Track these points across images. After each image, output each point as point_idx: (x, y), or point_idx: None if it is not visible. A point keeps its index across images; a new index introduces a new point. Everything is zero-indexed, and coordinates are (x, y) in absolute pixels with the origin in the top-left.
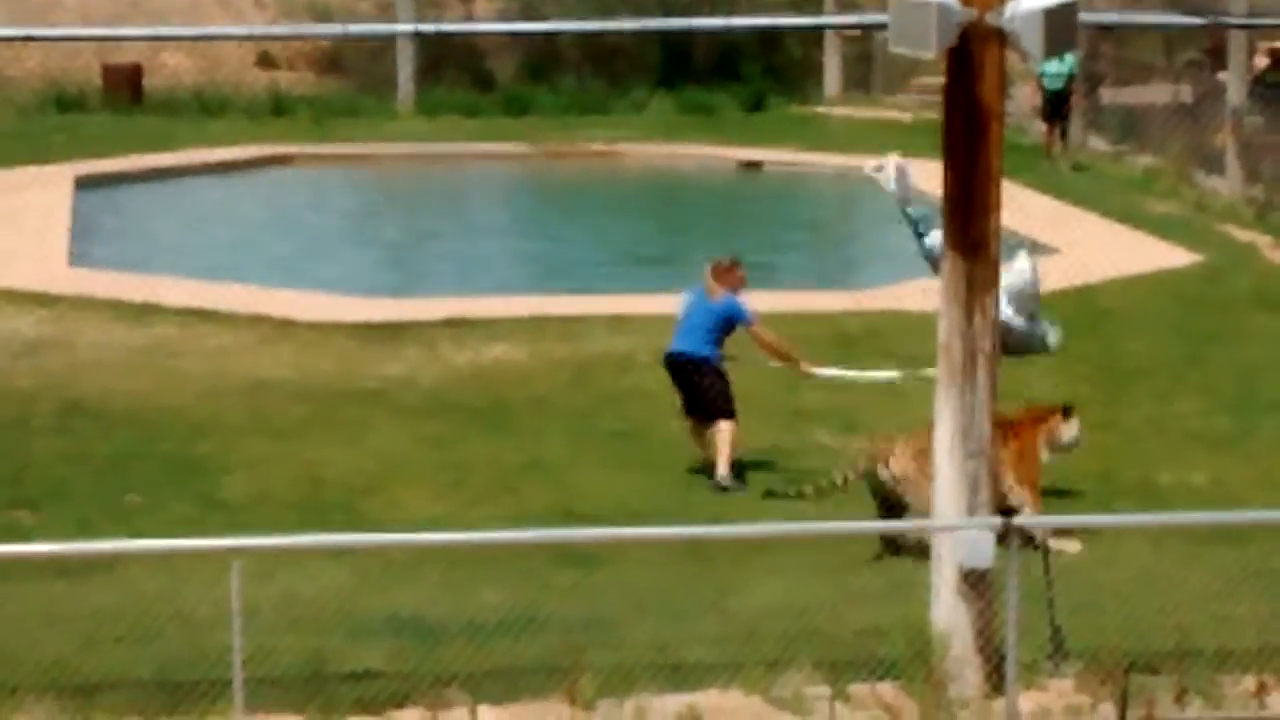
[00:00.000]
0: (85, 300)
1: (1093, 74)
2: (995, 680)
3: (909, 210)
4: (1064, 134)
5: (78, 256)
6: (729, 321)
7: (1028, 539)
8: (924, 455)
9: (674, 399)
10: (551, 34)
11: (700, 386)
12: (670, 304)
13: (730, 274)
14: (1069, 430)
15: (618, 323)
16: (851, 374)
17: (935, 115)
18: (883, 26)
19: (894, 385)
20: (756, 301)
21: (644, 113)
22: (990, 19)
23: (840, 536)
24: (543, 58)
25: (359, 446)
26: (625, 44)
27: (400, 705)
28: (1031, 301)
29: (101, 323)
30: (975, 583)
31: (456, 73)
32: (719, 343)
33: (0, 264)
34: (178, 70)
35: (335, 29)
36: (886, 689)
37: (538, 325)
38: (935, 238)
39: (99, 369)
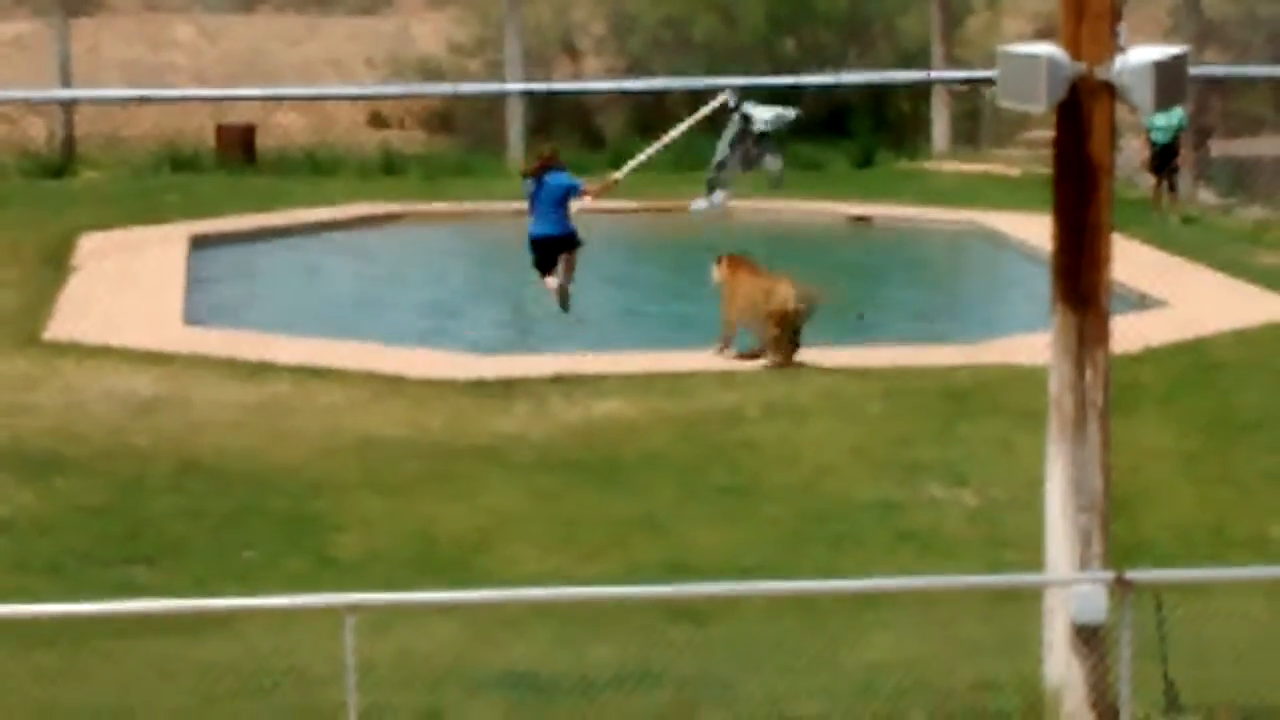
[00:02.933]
0: (200, 359)
1: (1202, 127)
2: None
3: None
4: (1173, 187)
5: (192, 315)
6: (569, 193)
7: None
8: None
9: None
10: (660, 92)
11: (565, 252)
12: None
13: (556, 157)
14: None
15: (726, 378)
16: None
17: (1044, 169)
18: (991, 81)
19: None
20: (869, 356)
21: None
22: (1100, 73)
23: (951, 590)
24: (651, 114)
25: (471, 502)
26: None
27: None
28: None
29: (216, 381)
30: (1088, 637)
31: (566, 130)
32: (568, 213)
33: (116, 323)
34: (290, 130)
35: (446, 89)
36: None
37: (647, 381)
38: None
39: (213, 427)
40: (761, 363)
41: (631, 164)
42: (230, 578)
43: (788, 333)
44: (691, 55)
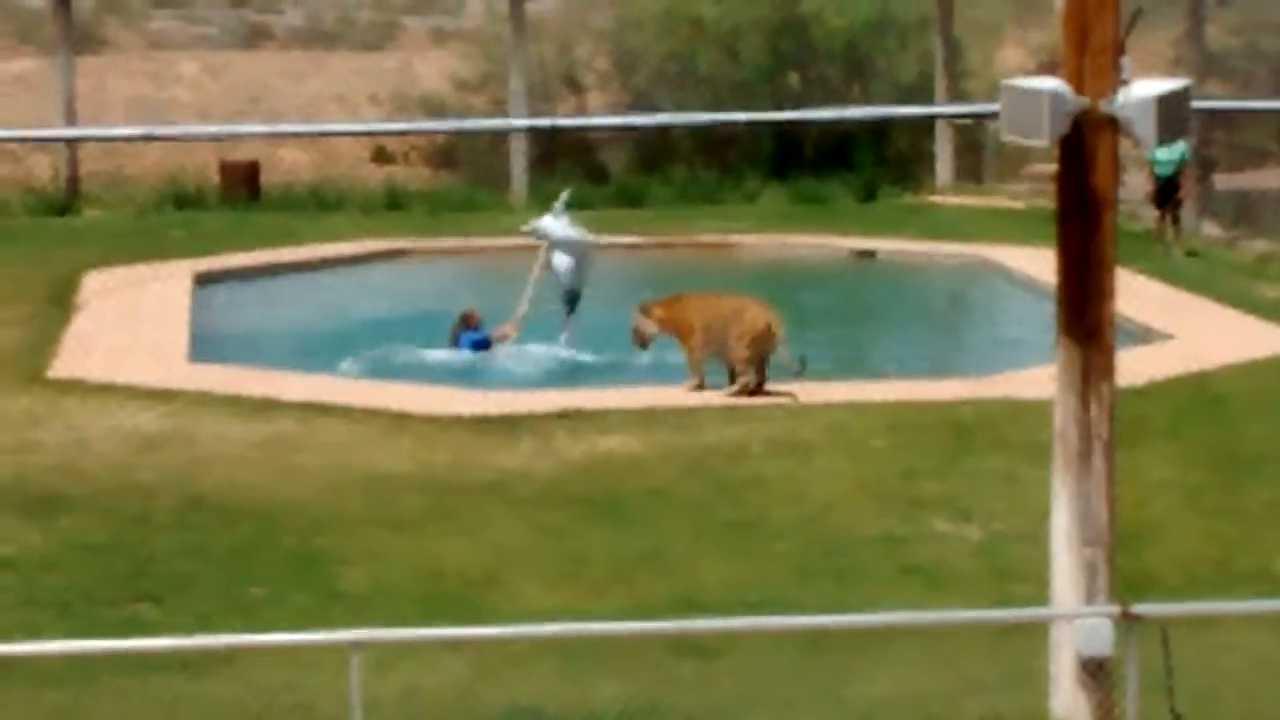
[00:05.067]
0: (205, 395)
1: (1205, 160)
2: None
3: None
4: (1176, 221)
5: (197, 352)
6: (478, 345)
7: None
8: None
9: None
10: (664, 127)
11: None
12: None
13: (470, 320)
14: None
15: (731, 413)
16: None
17: (1047, 203)
18: (994, 115)
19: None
20: (873, 391)
21: (756, 203)
22: (1103, 106)
23: (957, 625)
24: (655, 149)
25: (477, 538)
26: (737, 135)
27: None
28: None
29: (221, 418)
30: (1094, 671)
31: (569, 165)
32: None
33: (121, 360)
34: (294, 166)
35: (450, 124)
36: None
37: (651, 416)
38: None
39: (219, 463)
40: (732, 389)
41: (528, 294)
42: (236, 614)
43: (761, 354)
44: (695, 90)
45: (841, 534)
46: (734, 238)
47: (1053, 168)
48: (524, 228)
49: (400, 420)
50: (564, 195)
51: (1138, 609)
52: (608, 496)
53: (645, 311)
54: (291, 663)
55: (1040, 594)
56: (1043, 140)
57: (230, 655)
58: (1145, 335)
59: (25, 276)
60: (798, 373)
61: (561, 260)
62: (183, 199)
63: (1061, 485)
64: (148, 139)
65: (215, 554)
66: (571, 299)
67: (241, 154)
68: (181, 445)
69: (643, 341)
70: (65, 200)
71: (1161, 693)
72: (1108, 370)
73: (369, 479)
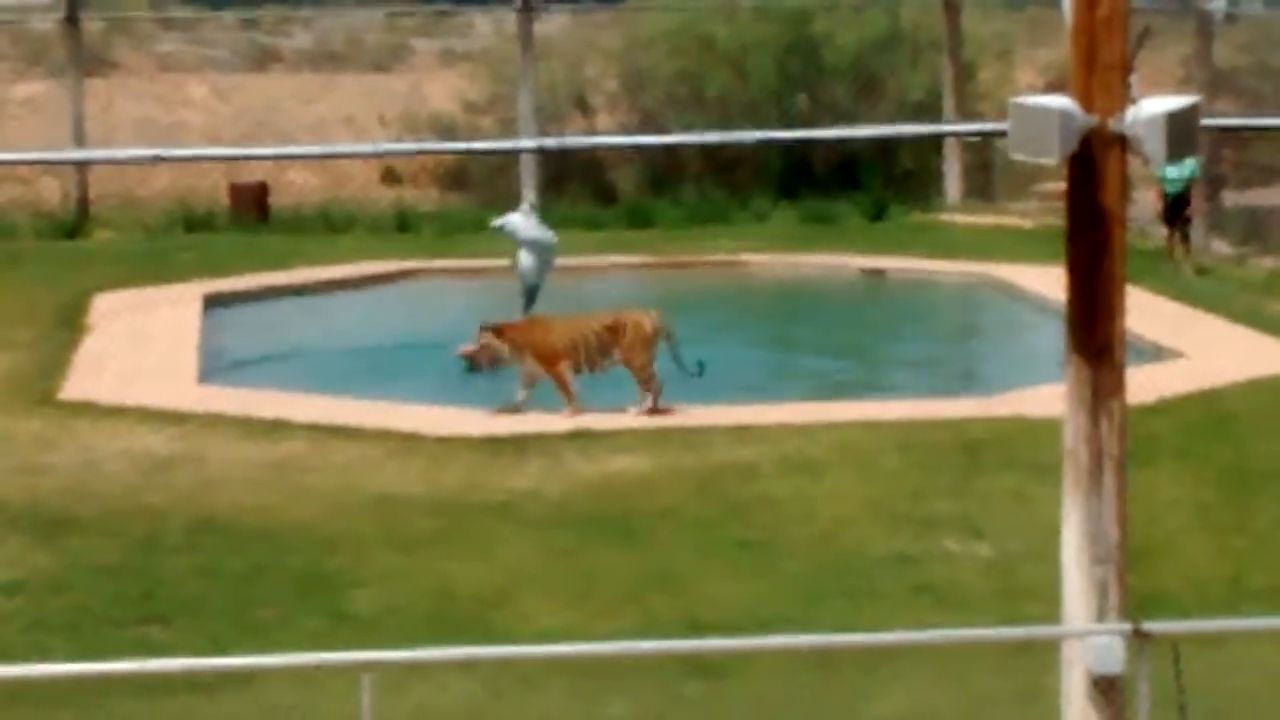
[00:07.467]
0: (215, 417)
1: (1215, 177)
2: None
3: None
4: (1185, 238)
5: (207, 374)
6: None
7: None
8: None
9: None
10: (672, 147)
11: None
12: (791, 413)
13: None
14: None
15: (741, 432)
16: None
17: (1057, 221)
18: (1003, 134)
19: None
20: (883, 409)
21: (766, 223)
22: (1112, 124)
23: (968, 643)
24: (664, 170)
25: (487, 559)
26: (746, 154)
27: None
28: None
29: (231, 439)
30: (1106, 689)
31: (579, 186)
32: None
33: (130, 382)
34: (304, 188)
35: (459, 146)
36: None
37: (662, 435)
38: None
39: (229, 485)
40: (645, 405)
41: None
42: (246, 636)
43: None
44: (704, 110)
45: (852, 553)
46: (744, 257)
47: (1062, 186)
48: (494, 223)
49: (410, 441)
50: (529, 197)
51: (1149, 627)
52: (618, 516)
53: (497, 333)
54: (302, 684)
55: (1051, 612)
56: (1052, 158)
57: (240, 677)
58: (1155, 353)
59: (35, 299)
60: (695, 375)
61: (526, 259)
62: (192, 221)
63: (1072, 503)
64: (157, 161)
65: (225, 576)
66: (531, 294)
67: (251, 176)
68: (191, 467)
69: (491, 361)
70: (75, 222)
71: (1173, 710)
72: (1118, 388)
73: (379, 500)
